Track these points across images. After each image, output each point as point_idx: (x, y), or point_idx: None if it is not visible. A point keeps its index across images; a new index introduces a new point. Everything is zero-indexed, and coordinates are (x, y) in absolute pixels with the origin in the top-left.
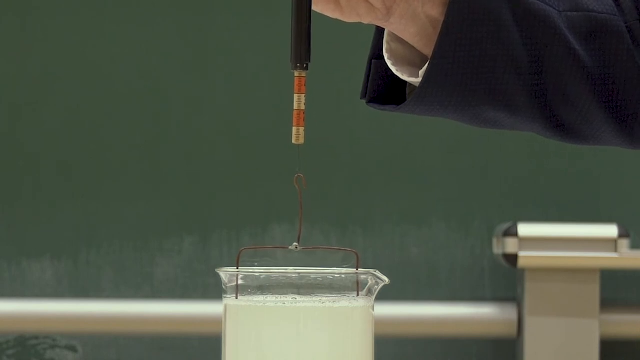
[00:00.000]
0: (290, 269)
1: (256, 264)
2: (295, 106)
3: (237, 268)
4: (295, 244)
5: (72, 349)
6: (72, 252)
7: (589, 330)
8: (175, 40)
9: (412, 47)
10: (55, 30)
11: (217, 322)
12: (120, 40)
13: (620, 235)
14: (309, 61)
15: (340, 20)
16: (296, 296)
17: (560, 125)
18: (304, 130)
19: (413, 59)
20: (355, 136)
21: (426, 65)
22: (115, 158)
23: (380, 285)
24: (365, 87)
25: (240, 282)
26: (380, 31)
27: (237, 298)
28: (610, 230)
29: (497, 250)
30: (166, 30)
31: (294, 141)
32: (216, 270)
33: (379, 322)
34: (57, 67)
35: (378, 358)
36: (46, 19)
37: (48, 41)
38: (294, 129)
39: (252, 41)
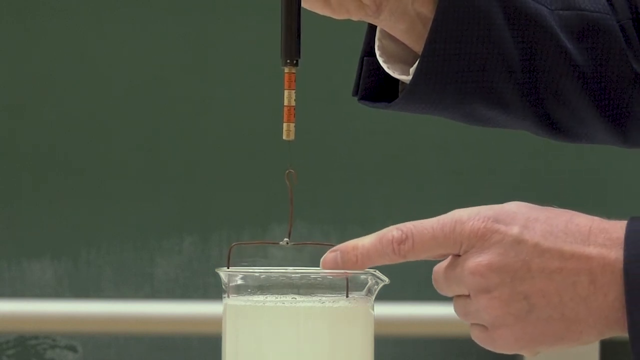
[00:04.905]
0: (291, 269)
1: (255, 263)
2: (286, 102)
3: (228, 264)
4: (285, 239)
5: (72, 349)
6: (72, 252)
7: None
8: (175, 40)
9: (404, 44)
10: (55, 31)
11: (217, 322)
12: (120, 40)
13: None
14: (299, 57)
15: (331, 17)
16: (296, 296)
17: (552, 124)
18: (294, 126)
19: (405, 57)
20: (354, 137)
21: (416, 62)
22: (116, 158)
23: (380, 285)
24: (357, 85)
25: (240, 282)
26: (372, 28)
27: (239, 298)
28: None
29: None
30: (166, 30)
31: (284, 137)
32: (216, 270)
33: (378, 322)
34: (57, 67)
35: (378, 358)
36: (46, 19)
37: (48, 41)
38: (285, 125)
39: (252, 41)
